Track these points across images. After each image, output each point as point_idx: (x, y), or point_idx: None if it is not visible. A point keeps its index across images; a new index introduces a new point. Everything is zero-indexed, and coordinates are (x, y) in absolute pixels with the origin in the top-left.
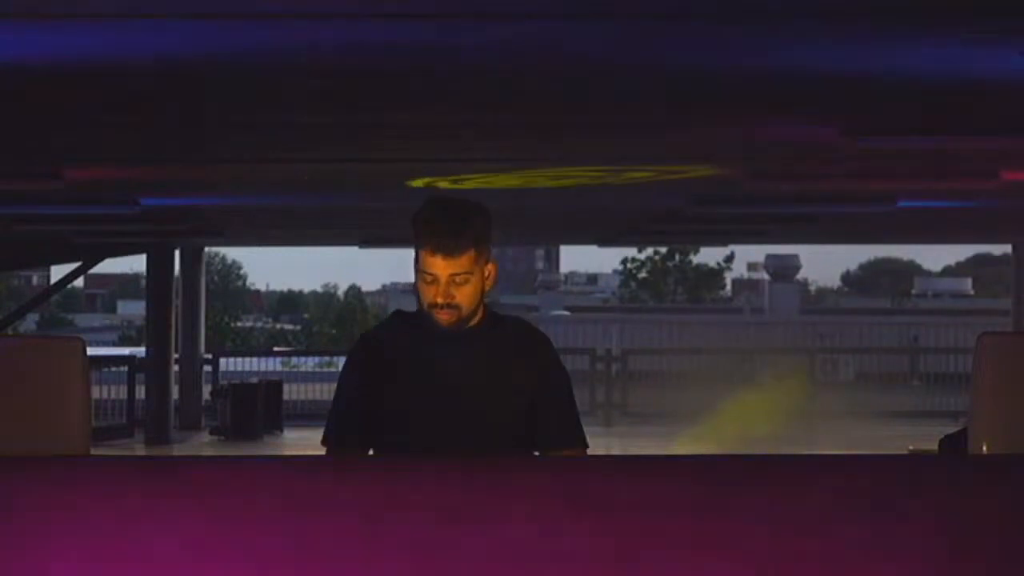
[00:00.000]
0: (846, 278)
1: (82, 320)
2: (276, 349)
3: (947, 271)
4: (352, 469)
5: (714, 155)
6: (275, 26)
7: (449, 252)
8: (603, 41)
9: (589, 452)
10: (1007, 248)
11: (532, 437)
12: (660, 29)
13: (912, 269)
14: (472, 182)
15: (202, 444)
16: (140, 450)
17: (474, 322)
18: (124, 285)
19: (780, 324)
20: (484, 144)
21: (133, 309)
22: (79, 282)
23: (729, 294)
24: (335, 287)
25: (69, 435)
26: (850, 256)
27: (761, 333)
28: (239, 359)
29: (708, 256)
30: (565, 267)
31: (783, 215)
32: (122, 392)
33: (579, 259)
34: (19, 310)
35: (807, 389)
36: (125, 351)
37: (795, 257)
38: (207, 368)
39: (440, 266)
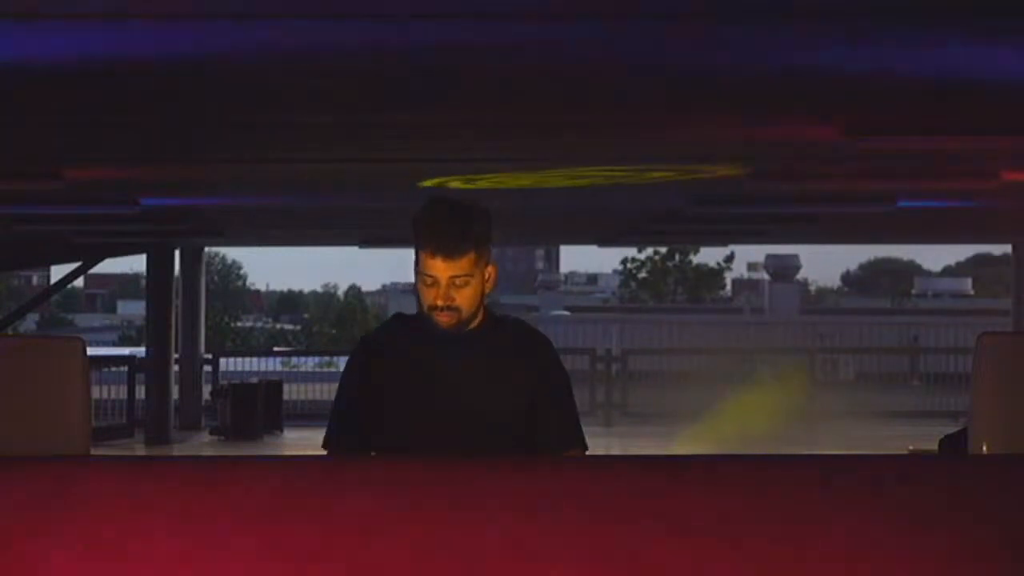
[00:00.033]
0: (846, 278)
1: (82, 320)
2: (276, 349)
3: (947, 271)
4: (352, 469)
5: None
6: (275, 26)
7: (449, 254)
8: (603, 41)
9: (589, 452)
10: (1007, 248)
11: (532, 438)
12: (660, 29)
13: (912, 269)
14: (483, 182)
15: (202, 444)
16: (140, 450)
17: (474, 324)
18: (124, 285)
19: (780, 324)
20: (484, 144)
21: (133, 309)
22: (79, 282)
23: (729, 294)
24: (335, 287)
25: (69, 435)
26: (850, 256)
27: (761, 333)
28: (239, 359)
29: (708, 256)
30: (565, 267)
31: (783, 215)
32: (122, 392)
33: (579, 259)
34: (19, 310)
35: (807, 389)
36: (125, 351)
37: (795, 257)
38: (207, 368)
39: (440, 268)
